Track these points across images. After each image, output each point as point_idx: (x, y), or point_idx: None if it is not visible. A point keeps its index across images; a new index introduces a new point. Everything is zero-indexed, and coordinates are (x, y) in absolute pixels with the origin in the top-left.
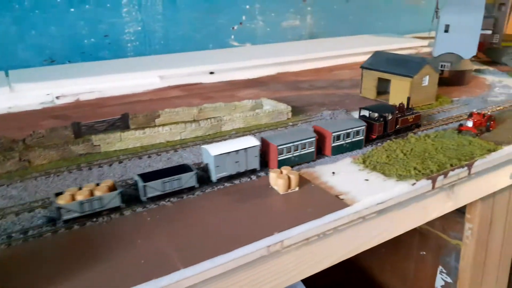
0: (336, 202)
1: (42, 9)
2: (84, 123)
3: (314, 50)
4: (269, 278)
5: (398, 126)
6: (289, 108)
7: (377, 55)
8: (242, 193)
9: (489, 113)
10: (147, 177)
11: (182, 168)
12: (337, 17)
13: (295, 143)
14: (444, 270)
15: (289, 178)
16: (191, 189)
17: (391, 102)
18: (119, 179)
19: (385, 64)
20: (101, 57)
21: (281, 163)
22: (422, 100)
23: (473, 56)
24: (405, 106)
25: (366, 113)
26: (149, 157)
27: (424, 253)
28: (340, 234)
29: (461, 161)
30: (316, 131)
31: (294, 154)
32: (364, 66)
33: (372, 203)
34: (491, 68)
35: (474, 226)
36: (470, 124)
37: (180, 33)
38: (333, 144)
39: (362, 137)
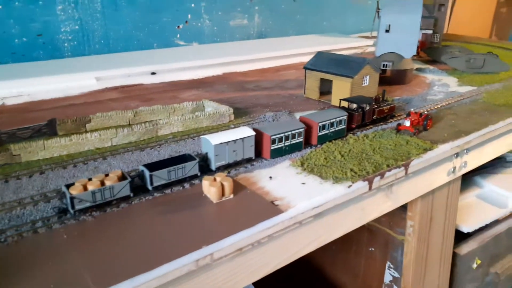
0: (271, 209)
1: None
2: (4, 130)
3: (261, 50)
4: None
5: (375, 116)
6: (231, 110)
7: (319, 55)
8: (171, 204)
9: (426, 112)
10: (152, 167)
11: (185, 158)
12: (284, 16)
13: (287, 133)
14: (392, 265)
15: (222, 185)
16: (124, 199)
17: (333, 103)
18: (38, 192)
19: (327, 64)
20: (35, 58)
21: (273, 153)
22: None
23: (415, 55)
24: (381, 98)
25: (345, 104)
26: (75, 166)
27: (373, 249)
28: (276, 241)
29: (398, 161)
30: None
31: (285, 144)
32: (306, 67)
33: (307, 207)
34: (431, 67)
35: (415, 223)
36: (407, 123)
37: (121, 32)
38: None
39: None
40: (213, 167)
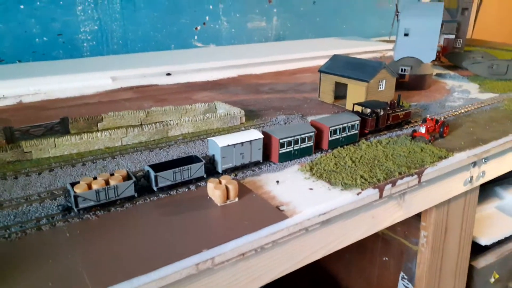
0: (275, 214)
1: None
2: (17, 127)
3: (277, 52)
4: None
5: (389, 121)
6: (242, 112)
7: (335, 58)
8: (175, 205)
9: (442, 119)
10: (158, 168)
11: (191, 160)
12: (303, 19)
13: (296, 137)
14: (405, 276)
15: (227, 188)
16: (128, 199)
17: (348, 107)
18: (45, 190)
19: (342, 68)
20: (54, 57)
21: (282, 156)
22: None
23: (436, 60)
24: (396, 103)
25: (359, 108)
26: (84, 164)
27: (387, 258)
28: (281, 247)
29: (411, 169)
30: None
31: (295, 148)
32: (321, 70)
33: (314, 213)
34: (452, 73)
35: (429, 234)
36: (423, 130)
37: (139, 33)
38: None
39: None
40: (219, 170)
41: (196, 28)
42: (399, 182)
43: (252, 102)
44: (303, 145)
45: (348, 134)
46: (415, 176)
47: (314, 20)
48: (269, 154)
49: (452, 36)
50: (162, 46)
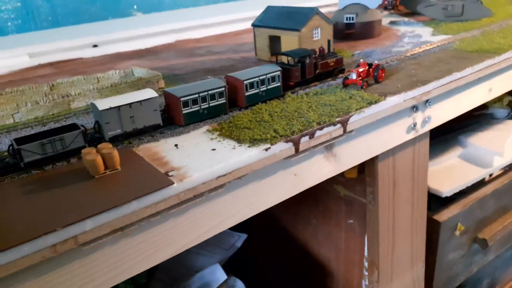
0: (161, 180)
1: None
2: None
3: (221, 13)
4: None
5: (318, 70)
6: (160, 75)
7: (268, 10)
8: (45, 181)
9: (376, 62)
10: (26, 140)
11: (72, 128)
12: None
13: (202, 94)
14: None
15: (103, 157)
16: None
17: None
18: None
19: (275, 19)
20: None
21: (187, 117)
22: None
23: (393, 9)
24: (327, 50)
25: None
26: None
27: (352, 221)
28: (176, 219)
29: (333, 117)
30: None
31: (202, 107)
32: (254, 24)
33: (209, 177)
34: (406, 19)
35: (375, 189)
36: (354, 76)
37: (70, 6)
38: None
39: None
40: (106, 137)
41: None
42: (319, 133)
43: (181, 66)
44: (213, 103)
45: (269, 87)
46: (339, 125)
47: None
48: (173, 116)
49: None
50: (98, 19)
